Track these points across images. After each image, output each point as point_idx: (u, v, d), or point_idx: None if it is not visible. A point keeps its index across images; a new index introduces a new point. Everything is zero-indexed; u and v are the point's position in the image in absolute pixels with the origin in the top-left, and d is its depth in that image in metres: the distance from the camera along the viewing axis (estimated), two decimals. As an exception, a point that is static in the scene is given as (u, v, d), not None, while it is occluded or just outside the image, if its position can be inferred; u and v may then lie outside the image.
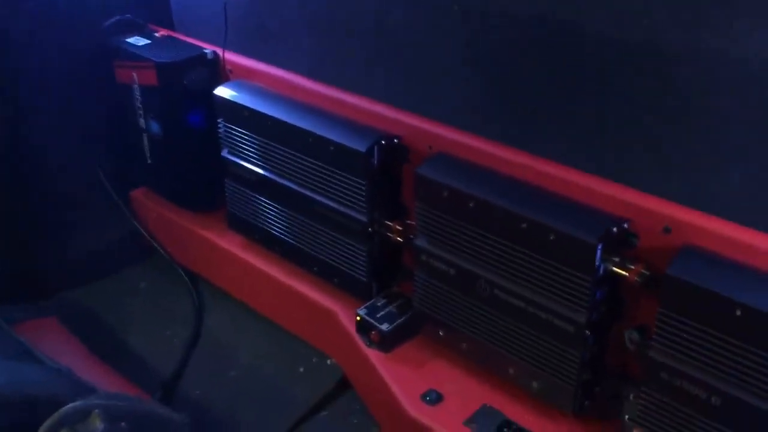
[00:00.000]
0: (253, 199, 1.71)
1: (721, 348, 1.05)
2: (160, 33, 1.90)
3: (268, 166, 1.64)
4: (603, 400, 1.30)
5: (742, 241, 1.08)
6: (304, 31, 1.70)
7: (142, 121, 1.87)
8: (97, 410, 1.15)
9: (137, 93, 1.84)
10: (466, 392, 1.37)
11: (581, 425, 1.29)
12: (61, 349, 1.60)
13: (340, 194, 1.51)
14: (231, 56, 1.78)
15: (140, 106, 1.85)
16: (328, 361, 1.68)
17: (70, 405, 1.15)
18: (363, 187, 1.46)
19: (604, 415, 1.29)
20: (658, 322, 1.11)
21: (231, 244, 1.82)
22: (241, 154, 1.70)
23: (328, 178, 1.52)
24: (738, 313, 1.01)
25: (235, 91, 1.68)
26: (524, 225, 1.22)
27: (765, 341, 1.00)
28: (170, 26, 2.01)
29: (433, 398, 1.35)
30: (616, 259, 1.17)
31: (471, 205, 1.29)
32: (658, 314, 1.10)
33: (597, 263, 1.15)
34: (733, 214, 1.11)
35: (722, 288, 1.03)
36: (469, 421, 1.31)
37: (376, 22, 1.53)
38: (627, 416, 1.23)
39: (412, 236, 1.43)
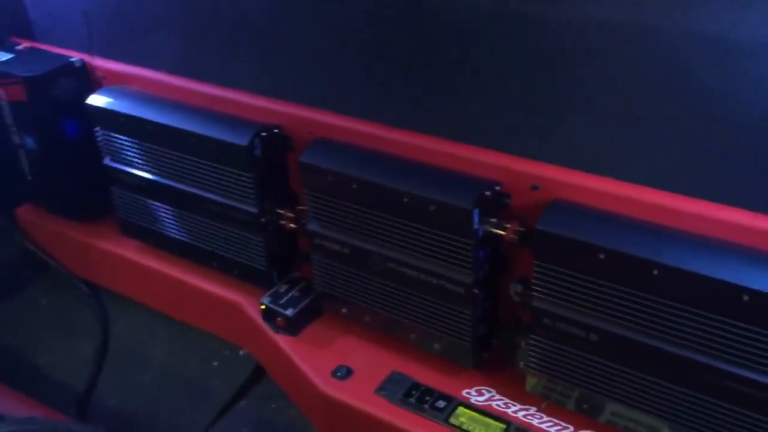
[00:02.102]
0: (143, 203, 1.71)
1: (592, 290, 1.15)
2: (23, 45, 1.84)
3: (153, 170, 1.64)
4: (500, 350, 1.39)
5: (602, 190, 1.18)
6: (170, 29, 1.68)
7: (16, 138, 1.82)
8: (8, 438, 1.15)
9: (7, 110, 1.78)
10: (374, 363, 1.44)
11: (482, 377, 1.38)
12: (-36, 381, 1.57)
13: (229, 189, 1.53)
14: (100, 62, 1.75)
15: (12, 122, 1.80)
16: (241, 352, 1.71)
17: (-21, 437, 1.14)
18: (250, 180, 1.48)
19: (503, 365, 1.38)
20: (535, 273, 1.20)
21: (127, 250, 1.81)
22: (124, 161, 1.68)
23: (215, 175, 1.53)
24: (601, 256, 1.11)
25: (109, 98, 1.66)
26: (406, 199, 1.28)
27: (625, 278, 1.11)
28: (31, 37, 1.95)
29: (344, 373, 1.41)
30: (493, 220, 1.25)
31: (354, 186, 1.34)
32: (535, 266, 1.20)
33: (475, 227, 1.23)
34: (593, 166, 1.20)
35: (585, 235, 1.13)
36: (379, 389, 1.37)
37: (240, 14, 1.54)
38: (521, 363, 1.33)
39: (304, 221, 1.47)
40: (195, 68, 1.64)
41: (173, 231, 1.69)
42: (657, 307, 1.09)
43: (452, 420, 1.30)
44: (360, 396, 1.37)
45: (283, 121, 1.49)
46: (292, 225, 1.53)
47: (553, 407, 1.30)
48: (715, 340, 1.06)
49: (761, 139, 1.05)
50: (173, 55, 1.68)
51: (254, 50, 1.58)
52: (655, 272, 1.07)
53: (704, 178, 1.13)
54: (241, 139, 1.45)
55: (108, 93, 1.68)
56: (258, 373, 1.67)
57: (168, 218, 1.68)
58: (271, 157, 1.49)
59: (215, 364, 1.72)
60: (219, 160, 1.51)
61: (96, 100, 1.67)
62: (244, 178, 1.49)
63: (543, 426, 1.27)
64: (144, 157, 1.64)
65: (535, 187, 1.23)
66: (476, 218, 1.22)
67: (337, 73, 1.46)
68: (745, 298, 1.01)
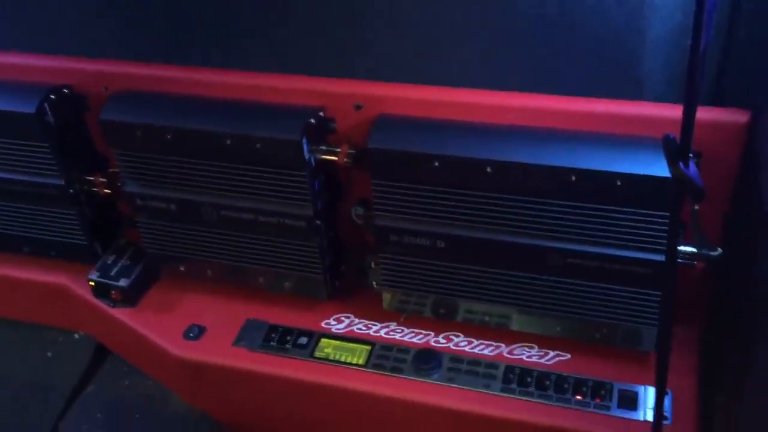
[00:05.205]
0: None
1: (431, 198, 1.16)
2: None
3: (-73, 157, 1.43)
4: (352, 275, 1.39)
5: (423, 98, 1.18)
6: None
7: None
8: None
9: None
10: (226, 315, 1.38)
11: (339, 305, 1.37)
12: None
13: (25, 164, 1.37)
14: None
15: None
16: (76, 336, 1.58)
17: None
18: (47, 150, 1.34)
19: (356, 289, 1.39)
20: (373, 191, 1.19)
21: None
22: None
23: (6, 151, 1.37)
24: (436, 164, 1.12)
25: None
26: (228, 141, 1.21)
27: (462, 181, 1.13)
28: None
29: (196, 333, 1.35)
30: (323, 148, 1.22)
31: (169, 136, 1.24)
32: (372, 185, 1.19)
33: (306, 157, 1.19)
34: (412, 77, 1.20)
35: (416, 146, 1.13)
36: (237, 341, 1.33)
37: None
38: (374, 283, 1.33)
39: (120, 184, 1.36)
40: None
41: (-32, 222, 1.50)
42: (495, 203, 1.13)
43: (317, 353, 1.29)
44: (218, 352, 1.32)
45: (73, 79, 1.35)
46: (106, 190, 1.41)
47: (411, 319, 1.32)
48: (551, 222, 1.12)
49: (563, 28, 1.09)
50: None
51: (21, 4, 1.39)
52: (488, 169, 1.10)
53: (518, 72, 1.16)
54: (27, 106, 1.30)
55: None
56: (101, 354, 1.56)
57: (-42, 209, 1.49)
58: (66, 120, 1.35)
59: (50, 354, 1.58)
60: (6, 133, 1.35)
61: None
62: (40, 149, 1.34)
63: (405, 338, 1.30)
64: None
65: (358, 106, 1.21)
66: (306, 148, 1.18)
67: (125, 17, 1.32)
68: (573, 178, 1.06)
